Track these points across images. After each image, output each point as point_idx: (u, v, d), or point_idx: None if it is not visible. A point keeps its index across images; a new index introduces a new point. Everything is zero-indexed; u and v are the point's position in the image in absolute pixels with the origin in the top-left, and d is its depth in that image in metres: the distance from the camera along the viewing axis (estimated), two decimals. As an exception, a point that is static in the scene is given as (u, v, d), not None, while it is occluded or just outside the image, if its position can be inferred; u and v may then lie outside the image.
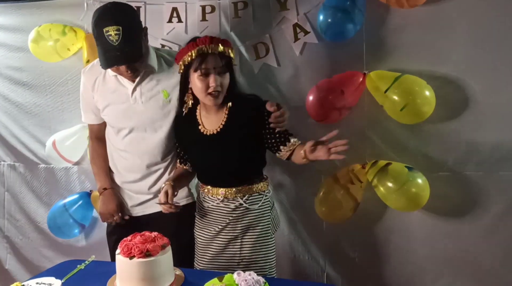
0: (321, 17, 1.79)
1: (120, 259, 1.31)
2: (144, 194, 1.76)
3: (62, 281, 1.30)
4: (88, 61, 2.07)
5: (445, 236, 1.90)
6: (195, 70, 1.48)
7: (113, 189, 1.79)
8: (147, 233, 1.37)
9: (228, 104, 1.54)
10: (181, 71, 1.54)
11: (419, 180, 1.76)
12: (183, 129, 1.63)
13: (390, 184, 1.77)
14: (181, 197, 1.75)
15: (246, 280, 1.25)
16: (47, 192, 2.37)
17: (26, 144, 2.36)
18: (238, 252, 1.57)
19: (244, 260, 1.57)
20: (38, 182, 2.38)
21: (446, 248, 1.90)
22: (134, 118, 1.67)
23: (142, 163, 1.71)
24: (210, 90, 1.47)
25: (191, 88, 1.55)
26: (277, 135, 1.53)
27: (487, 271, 1.86)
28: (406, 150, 1.88)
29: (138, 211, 1.78)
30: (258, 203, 1.58)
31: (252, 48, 2.00)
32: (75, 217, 2.19)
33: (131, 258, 1.29)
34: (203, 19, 2.04)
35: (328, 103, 1.84)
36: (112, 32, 1.48)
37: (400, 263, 1.98)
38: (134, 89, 1.66)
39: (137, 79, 1.65)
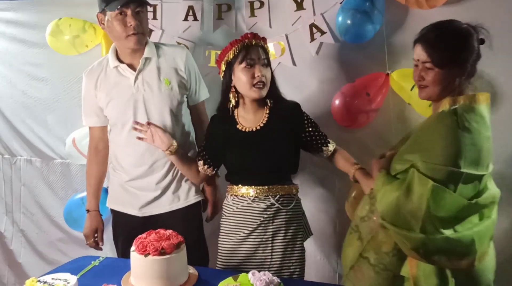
0: (339, 19, 1.78)
1: (135, 256, 1.32)
2: (151, 191, 1.74)
3: (77, 277, 1.31)
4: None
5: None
6: (241, 62, 1.52)
7: (96, 212, 1.83)
8: (162, 231, 1.38)
9: (269, 102, 1.58)
10: (223, 71, 1.58)
11: None
12: (219, 127, 1.63)
13: None
14: (191, 195, 1.76)
15: (261, 280, 1.25)
16: (63, 187, 2.40)
17: (44, 139, 2.38)
18: (269, 256, 1.55)
19: (275, 266, 1.54)
20: (55, 177, 2.41)
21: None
22: (138, 107, 1.67)
23: (148, 155, 1.70)
24: (255, 81, 1.51)
25: (233, 86, 1.57)
26: (318, 137, 1.61)
27: None
28: None
29: (145, 212, 1.75)
30: (289, 205, 1.58)
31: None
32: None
33: (146, 255, 1.30)
34: (219, 17, 2.04)
35: (355, 108, 1.82)
36: None
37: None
38: (136, 78, 1.67)
39: (138, 67, 1.67)
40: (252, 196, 1.57)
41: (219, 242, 1.63)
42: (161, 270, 1.29)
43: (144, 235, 1.36)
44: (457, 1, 1.75)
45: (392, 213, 1.25)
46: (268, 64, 1.54)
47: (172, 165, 1.72)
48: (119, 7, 1.57)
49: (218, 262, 1.63)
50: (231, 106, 1.59)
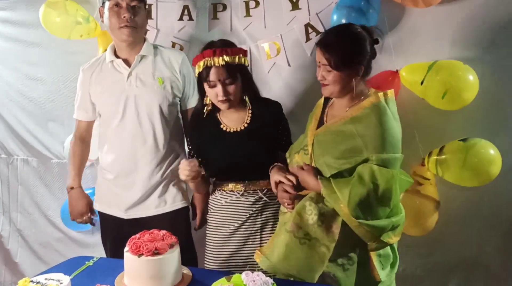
0: (334, 17, 1.77)
1: (128, 256, 1.32)
2: (136, 191, 1.73)
3: (71, 277, 1.31)
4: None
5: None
6: (204, 81, 1.57)
7: (81, 188, 1.84)
8: (155, 232, 1.38)
9: (248, 104, 1.61)
10: (196, 75, 1.60)
11: (479, 147, 1.66)
12: (203, 127, 1.66)
13: (453, 165, 1.67)
14: (178, 200, 1.77)
15: (254, 281, 1.25)
16: (60, 187, 2.39)
17: (40, 139, 2.38)
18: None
19: None
20: (51, 177, 2.41)
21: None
22: (128, 103, 1.70)
23: (133, 151, 1.72)
24: (218, 99, 1.55)
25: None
26: (283, 142, 1.64)
27: None
28: (459, 136, 1.78)
29: (131, 214, 1.76)
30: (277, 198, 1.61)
31: (263, 48, 1.99)
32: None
33: (139, 256, 1.29)
34: (214, 17, 2.04)
35: None
36: None
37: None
38: (130, 74, 1.71)
39: (133, 63, 1.70)
40: (241, 191, 1.62)
41: (207, 236, 1.67)
42: (154, 270, 1.29)
43: (138, 235, 1.36)
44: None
45: (363, 209, 1.33)
46: (234, 80, 1.54)
47: (158, 164, 1.74)
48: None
49: (206, 257, 1.66)
50: (207, 110, 1.62)
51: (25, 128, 2.39)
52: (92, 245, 2.32)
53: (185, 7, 2.04)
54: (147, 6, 1.81)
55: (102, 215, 1.84)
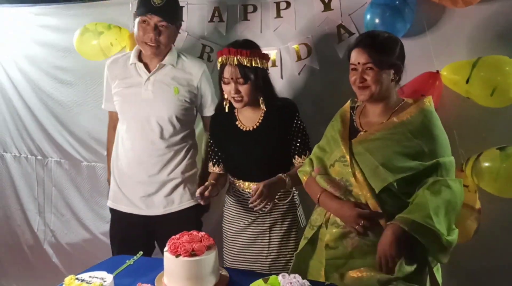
0: (368, 16, 1.74)
1: (167, 256, 1.34)
2: (146, 187, 1.79)
3: (113, 275, 1.33)
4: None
5: None
6: (219, 78, 1.63)
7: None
8: (194, 233, 1.39)
9: (262, 105, 1.64)
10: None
11: None
12: (221, 124, 1.74)
13: (488, 174, 1.62)
14: (187, 198, 1.82)
15: (291, 283, 1.24)
16: (89, 189, 2.44)
17: (70, 142, 2.43)
18: (267, 246, 1.68)
19: (272, 254, 1.68)
20: (81, 179, 2.46)
21: None
22: (142, 105, 1.76)
23: (143, 150, 1.78)
24: (231, 95, 1.61)
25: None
26: (298, 144, 1.66)
27: None
28: (503, 138, 1.72)
29: (141, 210, 1.81)
30: (286, 199, 1.68)
31: (294, 49, 1.98)
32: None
33: (177, 256, 1.31)
34: (245, 18, 2.04)
35: None
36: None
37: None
38: (148, 79, 1.77)
39: (153, 70, 1.76)
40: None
41: (223, 229, 1.79)
42: (191, 271, 1.30)
43: (177, 236, 1.38)
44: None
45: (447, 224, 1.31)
46: (246, 80, 1.57)
47: (166, 163, 1.78)
48: (142, 14, 1.70)
49: (224, 249, 1.76)
50: (226, 104, 1.66)
51: (58, 131, 2.44)
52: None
53: (216, 9, 2.06)
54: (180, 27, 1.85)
55: (113, 212, 1.90)
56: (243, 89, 1.58)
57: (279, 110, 1.65)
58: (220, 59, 1.60)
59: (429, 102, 1.42)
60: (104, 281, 1.24)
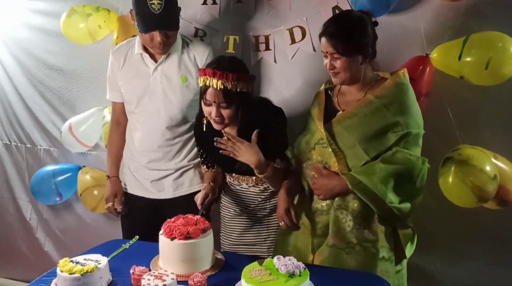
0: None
1: (162, 239, 1.34)
2: (156, 170, 1.81)
3: (108, 258, 1.33)
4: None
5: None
6: (201, 96, 1.53)
7: (115, 178, 1.91)
8: (190, 216, 1.39)
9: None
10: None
11: (476, 162, 1.59)
12: (205, 134, 1.65)
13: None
14: (197, 182, 1.83)
15: (286, 265, 1.25)
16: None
17: (60, 129, 2.37)
18: (265, 228, 1.71)
19: (270, 236, 1.70)
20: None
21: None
22: (152, 96, 1.74)
23: (152, 140, 1.78)
24: (211, 118, 1.53)
25: None
26: (276, 146, 1.58)
27: None
28: (500, 118, 1.72)
29: (151, 193, 1.83)
30: None
31: (288, 32, 1.95)
32: (58, 186, 2.29)
33: (172, 239, 1.31)
34: (238, 1, 2.00)
35: None
36: (155, 1, 1.58)
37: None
38: (156, 69, 1.74)
39: (160, 60, 1.73)
40: (249, 183, 1.69)
41: (221, 213, 1.80)
42: (186, 254, 1.31)
43: (172, 219, 1.38)
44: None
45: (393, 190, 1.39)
46: (230, 104, 1.48)
47: (176, 153, 1.80)
48: (145, 32, 1.63)
49: (221, 233, 1.78)
50: (205, 123, 1.58)
51: (48, 118, 2.41)
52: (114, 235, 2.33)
53: (209, -9, 2.02)
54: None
55: (125, 196, 1.91)
56: (226, 112, 1.50)
57: (257, 115, 1.56)
58: (202, 79, 1.49)
59: (403, 74, 1.46)
60: (99, 264, 1.23)
